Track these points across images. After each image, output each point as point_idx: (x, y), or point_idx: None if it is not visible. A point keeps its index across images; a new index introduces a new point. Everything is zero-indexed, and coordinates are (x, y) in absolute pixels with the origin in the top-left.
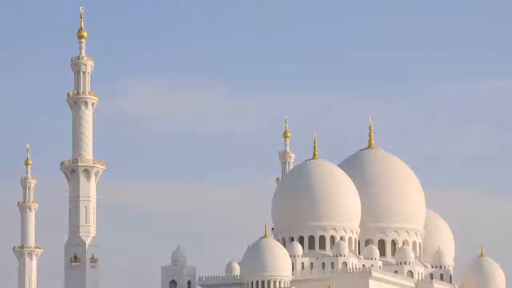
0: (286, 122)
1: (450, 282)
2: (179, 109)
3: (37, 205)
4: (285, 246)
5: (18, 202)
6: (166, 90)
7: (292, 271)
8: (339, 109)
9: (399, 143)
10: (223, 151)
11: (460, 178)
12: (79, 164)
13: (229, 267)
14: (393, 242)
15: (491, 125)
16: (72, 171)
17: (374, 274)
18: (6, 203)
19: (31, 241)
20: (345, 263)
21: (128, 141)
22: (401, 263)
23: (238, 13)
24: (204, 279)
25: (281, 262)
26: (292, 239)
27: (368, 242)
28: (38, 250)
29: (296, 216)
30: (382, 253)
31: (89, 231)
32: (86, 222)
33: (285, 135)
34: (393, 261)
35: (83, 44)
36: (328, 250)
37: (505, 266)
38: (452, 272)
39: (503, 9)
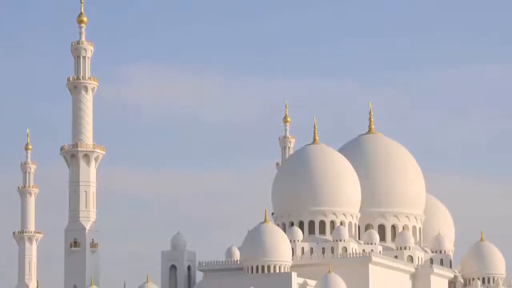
0: (286, 107)
1: (450, 267)
2: (179, 95)
3: (37, 190)
4: (285, 231)
5: (18, 187)
6: (166, 75)
7: (292, 256)
8: (339, 94)
9: (399, 128)
10: (223, 136)
11: (460, 163)
12: (79, 149)
13: (229, 252)
14: (393, 227)
15: (491, 110)
16: (72, 156)
17: (374, 259)
18: (6, 188)
19: (31, 226)
20: (345, 248)
21: (128, 127)
22: (401, 248)
23: None
24: (204, 264)
25: (281, 247)
26: (292, 224)
27: (368, 227)
28: (38, 235)
29: (296, 201)
30: (382, 238)
31: (89, 216)
32: (86, 207)
33: (285, 120)
34: (393, 246)
35: (83, 29)
36: (328, 235)
37: (505, 251)
38: (452, 257)
39: None
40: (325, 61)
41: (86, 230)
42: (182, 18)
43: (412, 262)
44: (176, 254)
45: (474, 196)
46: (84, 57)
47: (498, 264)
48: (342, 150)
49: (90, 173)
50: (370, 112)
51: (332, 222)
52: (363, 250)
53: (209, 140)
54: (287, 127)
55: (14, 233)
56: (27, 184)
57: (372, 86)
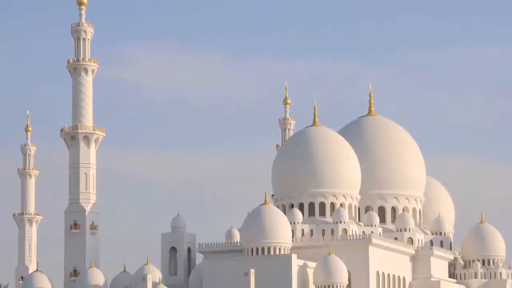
0: (286, 89)
1: (450, 249)
2: (179, 76)
3: (37, 172)
4: (285, 213)
5: (18, 169)
6: (166, 57)
7: (292, 238)
8: (339, 76)
9: (399, 110)
10: (223, 118)
11: (461, 145)
12: (79, 131)
13: (229, 234)
14: (393, 209)
15: (492, 91)
16: (72, 137)
17: (374, 241)
18: (6, 170)
19: (31, 208)
20: (345, 230)
21: (128, 108)
22: (401, 230)
23: None
24: (204, 246)
25: (281, 229)
26: (292, 206)
27: (368, 209)
28: (38, 217)
29: (296, 182)
30: (382, 220)
31: (89, 198)
32: (86, 189)
33: (285, 102)
34: (393, 228)
35: (83, 11)
36: (328, 217)
37: (505, 233)
38: (452, 239)
39: None
40: (325, 43)
41: (86, 212)
42: None
43: (412, 244)
44: (176, 236)
45: (474, 178)
46: (84, 39)
47: (498, 246)
48: (342, 132)
49: (90, 155)
50: (370, 94)
51: (332, 204)
52: (363, 232)
53: (209, 121)
54: (287, 109)
55: (14, 215)
56: (27, 166)
57: (373, 68)
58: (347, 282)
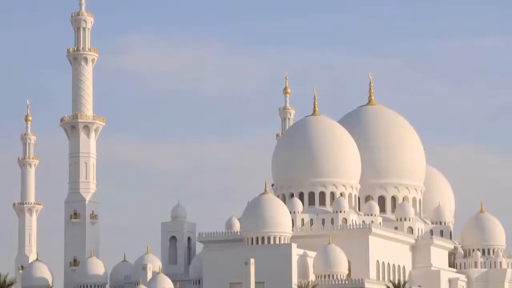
0: (286, 78)
1: (450, 238)
2: (179, 65)
3: (37, 161)
4: (285, 203)
5: (18, 159)
6: (166, 47)
7: (292, 227)
8: (339, 65)
9: (399, 100)
10: (223, 107)
11: (460, 134)
12: (79, 120)
13: (229, 223)
14: (393, 198)
15: (492, 81)
16: (72, 127)
17: (374, 230)
18: (6, 159)
19: (31, 197)
20: (345, 219)
21: (128, 98)
22: (401, 219)
23: None
24: (204, 235)
25: (281, 218)
26: (292, 195)
27: (368, 198)
28: (38, 206)
29: (296, 172)
30: (382, 209)
31: (89, 188)
32: (86, 179)
33: (285, 91)
34: (393, 217)
35: (83, 0)
36: (328, 206)
37: (505, 222)
38: (452, 228)
39: None
40: (325, 32)
41: (86, 202)
42: None
43: (412, 233)
44: (176, 225)
45: (475, 167)
46: (84, 28)
47: (498, 235)
48: (342, 121)
49: (90, 145)
50: (370, 84)
51: (332, 194)
52: (363, 221)
53: (209, 110)
54: (287, 98)
55: (14, 204)
56: (27, 156)
57: (373, 56)
58: (347, 272)
